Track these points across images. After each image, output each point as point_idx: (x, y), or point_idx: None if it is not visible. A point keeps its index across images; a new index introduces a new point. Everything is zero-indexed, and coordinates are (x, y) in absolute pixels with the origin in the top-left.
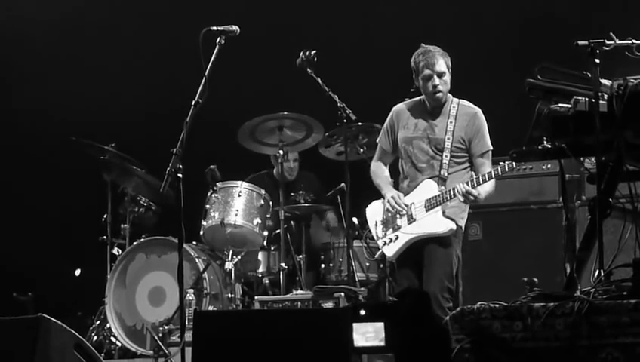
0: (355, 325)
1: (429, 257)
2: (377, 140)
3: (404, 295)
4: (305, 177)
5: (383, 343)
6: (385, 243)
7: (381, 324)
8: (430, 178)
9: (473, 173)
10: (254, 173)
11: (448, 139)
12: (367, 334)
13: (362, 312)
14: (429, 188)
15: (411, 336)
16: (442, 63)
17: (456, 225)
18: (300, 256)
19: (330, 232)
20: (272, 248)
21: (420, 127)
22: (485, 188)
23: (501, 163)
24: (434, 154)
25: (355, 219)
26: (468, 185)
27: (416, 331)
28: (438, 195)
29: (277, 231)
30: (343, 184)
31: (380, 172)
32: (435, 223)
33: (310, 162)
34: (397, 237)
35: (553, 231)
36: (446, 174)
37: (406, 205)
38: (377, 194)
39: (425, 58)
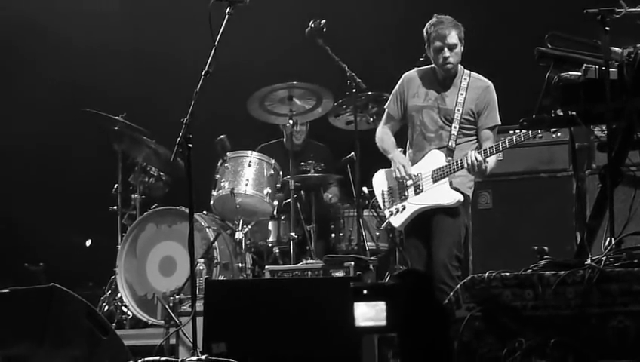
0: (356, 304)
1: (437, 227)
2: (385, 106)
3: (404, 275)
4: (315, 147)
5: (384, 323)
6: (392, 214)
7: (382, 304)
8: (438, 148)
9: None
10: (265, 142)
11: (458, 110)
12: (368, 314)
13: (364, 292)
14: (436, 158)
15: (412, 316)
16: (454, 35)
17: (464, 195)
18: (310, 226)
19: (331, 207)
20: (282, 218)
21: (430, 96)
22: (490, 161)
23: (511, 132)
24: (443, 124)
25: (365, 189)
26: (480, 154)
27: (417, 311)
28: (446, 166)
29: (287, 200)
30: (352, 153)
31: (386, 138)
32: (443, 194)
33: (320, 131)
34: (404, 208)
35: (564, 199)
36: (454, 145)
37: (415, 175)
38: (386, 163)
39: (436, 29)
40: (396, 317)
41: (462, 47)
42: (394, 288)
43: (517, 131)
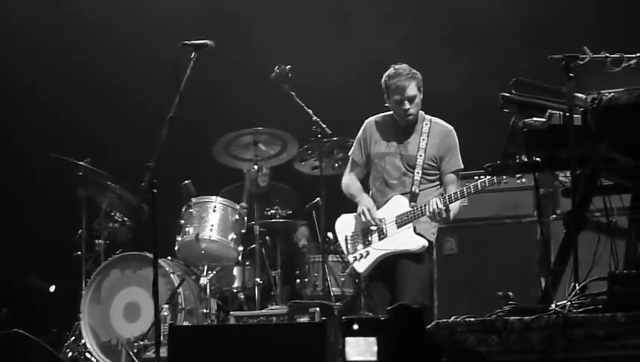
0: (347, 339)
1: (401, 273)
2: (350, 153)
3: (397, 310)
4: (280, 190)
5: (375, 358)
6: (355, 259)
7: (373, 339)
8: (401, 194)
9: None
10: (228, 186)
11: (420, 156)
12: (360, 348)
13: (355, 327)
14: (399, 204)
15: (404, 352)
16: (413, 87)
17: (428, 241)
18: (275, 271)
19: (302, 248)
20: (247, 263)
21: (392, 143)
22: (454, 208)
23: (475, 178)
24: (406, 170)
25: (330, 234)
26: (441, 201)
27: (408, 346)
28: (410, 211)
29: (252, 246)
30: (318, 199)
31: (352, 183)
32: (407, 240)
33: (285, 177)
34: (368, 253)
35: (528, 245)
36: (417, 190)
37: (380, 220)
38: (352, 208)
39: (395, 82)
40: (387, 353)
41: (421, 96)
42: (386, 323)
43: (482, 177)
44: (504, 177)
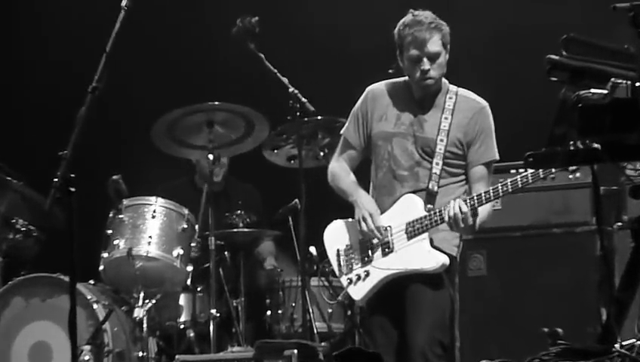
0: None
1: (413, 301)
2: (341, 132)
3: (347, 357)
4: (241, 190)
5: None
6: (351, 282)
7: None
8: (413, 191)
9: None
10: (168, 181)
11: (441, 140)
12: None
13: None
14: (411, 206)
15: None
16: (436, 40)
17: (449, 257)
18: (238, 300)
19: (272, 271)
20: (199, 289)
21: (404, 120)
22: (483, 213)
23: (512, 172)
24: (420, 158)
25: (312, 249)
26: (466, 203)
27: None
28: (425, 217)
29: (206, 264)
30: (296, 201)
31: (344, 175)
32: (422, 256)
33: (251, 170)
34: (367, 274)
35: (584, 263)
36: (436, 188)
37: (385, 228)
38: (344, 213)
39: (413, 32)
40: None
41: (447, 56)
42: None
43: (521, 171)
44: (552, 171)
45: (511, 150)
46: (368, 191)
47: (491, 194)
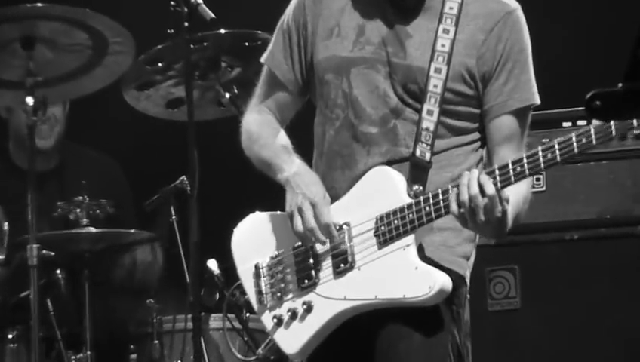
0: None
1: (388, 358)
2: (263, 58)
3: None
4: (91, 164)
5: None
6: (279, 323)
7: None
8: (388, 162)
9: (485, 155)
10: None
11: (437, 71)
12: None
13: None
14: (385, 187)
15: None
16: None
17: (454, 277)
18: (80, 356)
19: (135, 304)
20: (10, 337)
21: (371, 36)
22: (518, 196)
23: (564, 126)
24: (401, 104)
25: (212, 264)
26: (488, 177)
27: None
28: (410, 207)
29: (23, 294)
30: (182, 178)
31: (267, 133)
32: (404, 276)
33: (104, 128)
34: (308, 309)
35: None
36: (428, 156)
37: (339, 227)
38: (265, 201)
39: None
40: None
41: None
42: None
43: (581, 124)
44: (632, 124)
45: (561, 91)
46: (310, 164)
47: (527, 165)
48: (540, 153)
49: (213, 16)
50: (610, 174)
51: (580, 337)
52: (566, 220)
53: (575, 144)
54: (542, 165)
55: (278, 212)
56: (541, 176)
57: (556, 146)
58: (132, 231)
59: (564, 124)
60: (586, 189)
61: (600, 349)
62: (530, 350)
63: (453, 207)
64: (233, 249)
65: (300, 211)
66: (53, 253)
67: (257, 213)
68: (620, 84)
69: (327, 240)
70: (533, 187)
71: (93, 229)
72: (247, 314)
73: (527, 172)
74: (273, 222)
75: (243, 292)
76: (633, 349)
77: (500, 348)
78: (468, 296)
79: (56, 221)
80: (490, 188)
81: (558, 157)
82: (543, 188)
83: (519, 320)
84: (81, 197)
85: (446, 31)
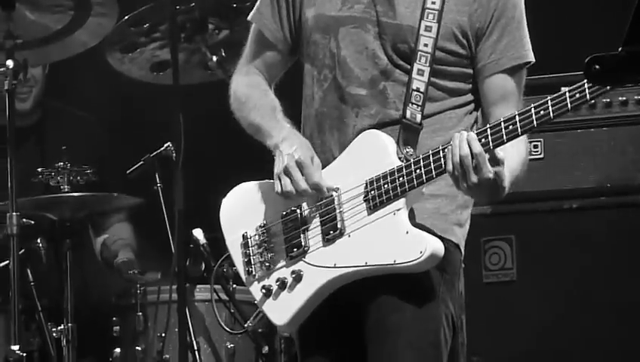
0: None
1: (379, 326)
2: (250, 17)
3: None
4: (72, 126)
5: None
6: (268, 293)
7: None
8: (378, 125)
9: (480, 116)
10: None
11: (428, 29)
12: None
13: None
14: (375, 150)
15: None
16: None
17: (447, 243)
18: (61, 328)
19: (118, 274)
20: None
21: None
22: (515, 158)
23: (563, 89)
24: (390, 65)
25: (198, 233)
26: (480, 135)
27: None
28: (400, 170)
29: (2, 263)
30: (168, 145)
31: (257, 95)
32: (395, 242)
33: (85, 90)
34: (297, 278)
35: None
36: (419, 117)
37: (329, 191)
38: (255, 169)
39: None
40: None
41: None
42: None
43: (580, 85)
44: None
45: (559, 53)
46: (299, 128)
47: (519, 122)
48: (533, 110)
49: None
50: (610, 140)
51: (577, 310)
52: (564, 188)
53: (568, 100)
54: (534, 122)
55: (267, 180)
56: (539, 143)
57: (549, 103)
58: (115, 194)
59: (563, 89)
60: (585, 156)
61: (598, 322)
62: (526, 323)
63: (449, 166)
64: (221, 219)
65: (287, 172)
66: (32, 222)
67: (246, 182)
68: (620, 49)
69: (317, 204)
70: (531, 154)
71: (74, 194)
72: (234, 286)
73: (519, 130)
74: (262, 191)
75: (232, 264)
76: (632, 321)
77: (495, 322)
78: (463, 265)
79: (36, 187)
80: (477, 147)
81: (551, 113)
82: (541, 156)
83: (515, 292)
84: (62, 163)
85: None
